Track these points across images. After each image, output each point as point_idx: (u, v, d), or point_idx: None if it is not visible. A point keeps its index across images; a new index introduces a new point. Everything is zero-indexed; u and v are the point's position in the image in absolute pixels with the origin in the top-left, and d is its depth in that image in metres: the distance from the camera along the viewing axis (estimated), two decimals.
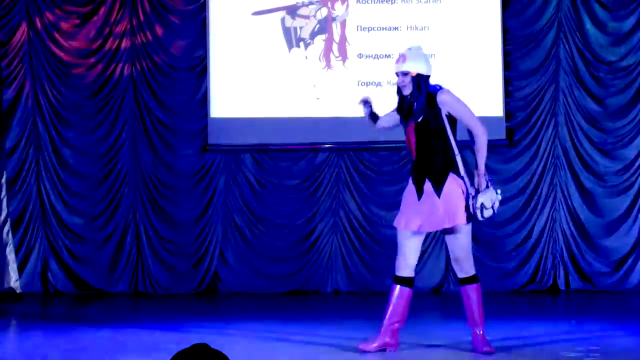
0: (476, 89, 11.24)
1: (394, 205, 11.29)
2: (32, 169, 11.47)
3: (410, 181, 7.27)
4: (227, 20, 11.38)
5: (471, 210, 6.97)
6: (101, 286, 11.41)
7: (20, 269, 11.33)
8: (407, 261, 7.18)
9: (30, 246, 11.46)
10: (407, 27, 11.33)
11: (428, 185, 7.10)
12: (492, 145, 11.17)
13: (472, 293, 7.18)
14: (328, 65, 11.32)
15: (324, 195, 11.42)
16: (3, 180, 11.24)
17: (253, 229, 11.42)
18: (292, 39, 11.35)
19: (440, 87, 7.20)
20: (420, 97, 7.08)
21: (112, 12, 11.43)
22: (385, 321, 7.20)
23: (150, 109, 11.44)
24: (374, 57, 11.33)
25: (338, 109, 11.29)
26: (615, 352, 7.16)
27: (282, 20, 11.38)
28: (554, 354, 7.07)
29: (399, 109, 7.31)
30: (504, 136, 11.28)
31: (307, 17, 11.36)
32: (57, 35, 11.43)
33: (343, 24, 11.37)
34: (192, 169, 11.47)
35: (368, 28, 11.35)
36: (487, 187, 7.04)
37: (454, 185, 7.03)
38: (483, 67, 11.29)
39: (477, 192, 7.02)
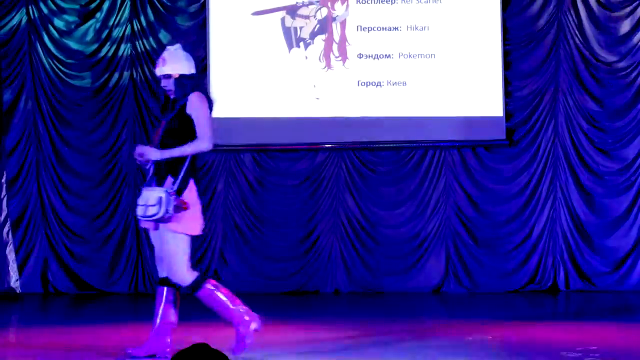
0: (476, 89, 11.25)
1: (394, 205, 11.33)
2: (32, 169, 11.47)
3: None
4: (227, 21, 11.38)
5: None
6: (101, 286, 11.41)
7: (20, 269, 11.33)
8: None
9: (30, 246, 11.46)
10: (407, 27, 11.32)
11: (169, 182, 6.72)
12: (492, 145, 11.25)
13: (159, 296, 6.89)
14: (328, 65, 11.31)
15: (324, 195, 11.41)
16: (3, 180, 11.24)
17: (253, 229, 11.42)
18: (292, 39, 11.34)
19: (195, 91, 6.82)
20: (185, 98, 6.78)
21: (112, 12, 11.43)
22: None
23: (150, 109, 11.44)
24: (374, 57, 11.32)
25: (338, 109, 11.29)
26: (615, 352, 7.16)
27: (282, 20, 11.38)
28: (554, 354, 7.06)
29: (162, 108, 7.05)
30: (504, 136, 11.28)
31: (307, 17, 11.36)
32: (57, 35, 11.43)
33: (343, 24, 11.36)
34: None
35: (368, 28, 11.35)
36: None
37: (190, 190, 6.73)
38: (483, 67, 11.29)
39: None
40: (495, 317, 9.19)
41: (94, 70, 11.45)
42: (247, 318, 6.83)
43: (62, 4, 11.44)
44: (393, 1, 11.35)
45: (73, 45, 11.46)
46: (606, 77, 11.26)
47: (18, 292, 11.17)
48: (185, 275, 6.75)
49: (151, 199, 6.61)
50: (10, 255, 11.16)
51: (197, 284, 6.76)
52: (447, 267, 11.37)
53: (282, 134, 11.31)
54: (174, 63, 6.85)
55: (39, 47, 11.44)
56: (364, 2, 11.36)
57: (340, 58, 11.33)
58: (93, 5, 11.43)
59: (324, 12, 11.36)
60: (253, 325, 6.83)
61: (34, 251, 11.46)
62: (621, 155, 11.28)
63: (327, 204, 11.44)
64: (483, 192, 11.36)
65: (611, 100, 11.26)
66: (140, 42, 11.46)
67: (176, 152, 6.72)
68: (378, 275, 11.33)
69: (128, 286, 11.43)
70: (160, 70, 6.88)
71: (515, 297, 10.93)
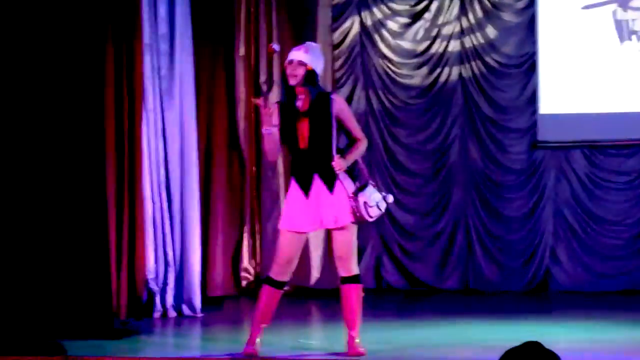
0: None
1: None
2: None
3: (294, 179, 6.90)
4: (556, 16, 11.26)
5: (356, 210, 6.78)
6: (433, 283, 11.54)
7: None
8: (289, 265, 6.93)
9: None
10: None
11: (318, 183, 6.83)
12: None
13: (351, 293, 6.96)
14: None
15: None
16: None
17: (585, 226, 11.30)
18: (624, 31, 11.10)
19: (333, 92, 7.05)
20: (313, 92, 6.84)
21: (441, 11, 11.57)
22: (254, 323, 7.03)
23: (479, 107, 11.53)
24: None
25: None
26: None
27: (614, 13, 11.14)
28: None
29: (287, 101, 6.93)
30: None
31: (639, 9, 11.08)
32: (385, 34, 11.70)
33: None
34: (521, 165, 11.48)
35: None
36: (367, 186, 6.85)
37: (347, 183, 6.86)
38: None
39: (358, 192, 6.83)
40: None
41: (419, 71, 11.64)
42: None
43: (389, 2, 11.68)
44: None
45: (400, 46, 11.70)
46: None
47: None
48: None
49: (377, 200, 6.90)
50: (317, 251, 11.27)
51: None
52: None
53: (612, 130, 11.09)
54: (314, 56, 6.91)
55: (368, 45, 11.75)
56: None
57: None
58: (422, 6, 11.63)
59: None
60: None
61: (366, 248, 11.70)
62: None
63: None
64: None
65: None
66: (471, 42, 11.54)
67: (355, 155, 7.00)
68: None
69: (458, 283, 11.52)
70: (299, 55, 6.90)
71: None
